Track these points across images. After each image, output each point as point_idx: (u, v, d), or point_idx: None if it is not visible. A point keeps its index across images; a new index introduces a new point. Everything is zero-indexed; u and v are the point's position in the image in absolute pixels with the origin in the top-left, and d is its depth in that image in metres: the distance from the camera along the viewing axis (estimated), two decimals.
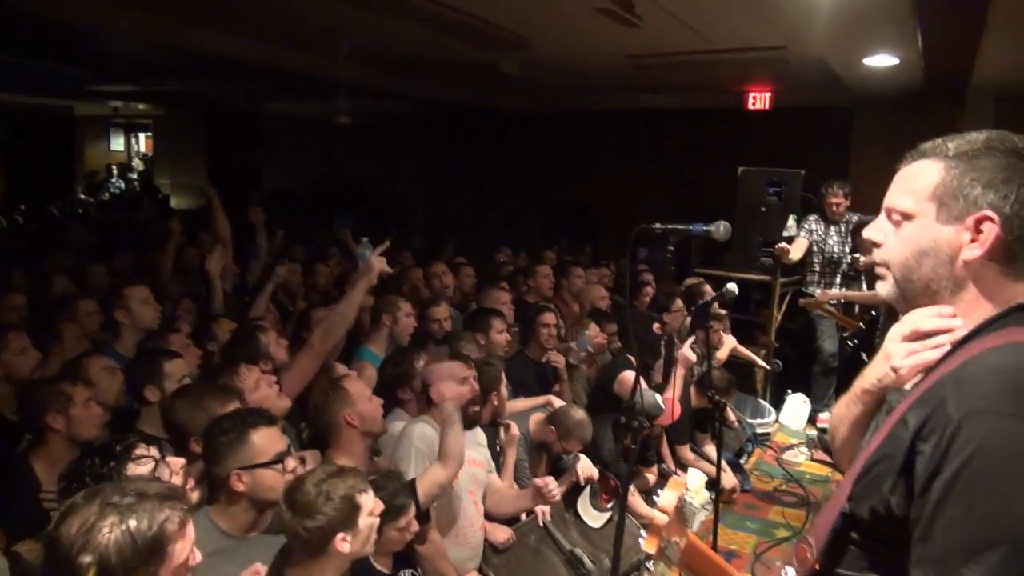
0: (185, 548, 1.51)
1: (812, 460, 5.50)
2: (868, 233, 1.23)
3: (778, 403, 6.28)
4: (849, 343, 5.59)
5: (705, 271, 6.51)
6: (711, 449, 4.73)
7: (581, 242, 9.29)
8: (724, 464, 4.44)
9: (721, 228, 2.22)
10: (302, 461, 2.48)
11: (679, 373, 3.85)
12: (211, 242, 4.70)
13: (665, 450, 4.57)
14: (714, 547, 3.69)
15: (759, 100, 7.86)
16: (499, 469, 3.43)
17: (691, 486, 3.41)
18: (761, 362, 6.12)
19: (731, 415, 5.35)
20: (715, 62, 6.27)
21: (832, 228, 6.01)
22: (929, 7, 4.10)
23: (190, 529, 1.54)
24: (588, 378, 4.83)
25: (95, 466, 1.86)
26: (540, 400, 4.00)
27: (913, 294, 1.16)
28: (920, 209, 1.14)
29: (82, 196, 14.45)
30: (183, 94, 11.44)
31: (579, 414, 3.66)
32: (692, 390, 4.67)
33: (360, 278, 3.24)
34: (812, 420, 6.13)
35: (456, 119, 10.98)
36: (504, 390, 3.48)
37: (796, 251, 5.91)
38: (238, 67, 7.14)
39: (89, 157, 16.20)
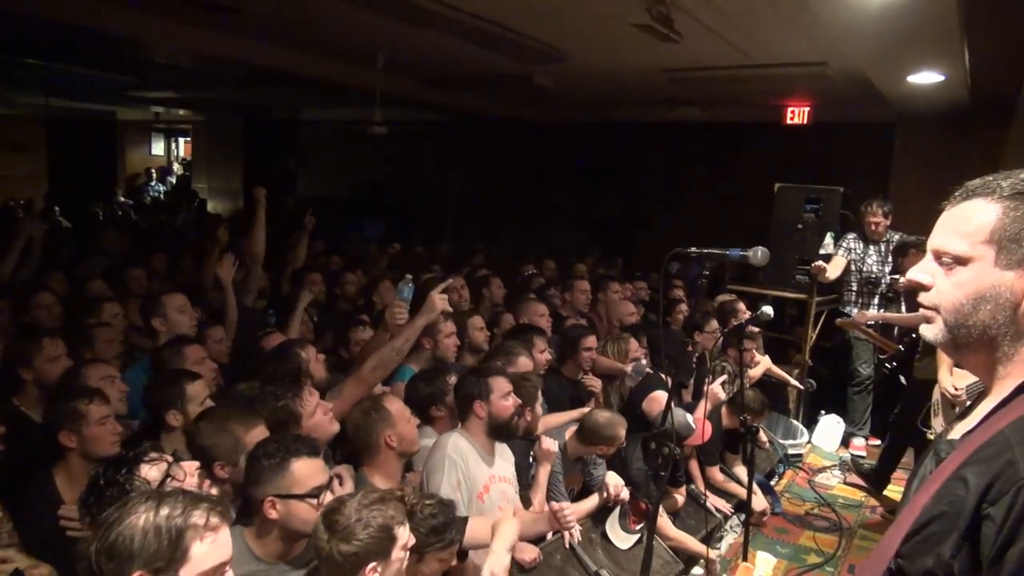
0: (211, 556, 1.50)
1: (845, 484, 5.38)
2: (914, 275, 1.18)
3: (811, 423, 6.16)
4: (886, 366, 5.46)
5: (739, 288, 6.42)
6: (741, 470, 4.65)
7: (613, 254, 9.25)
8: (754, 486, 4.37)
9: (759, 254, 2.16)
10: (338, 478, 2.50)
11: (707, 406, 3.79)
12: (226, 249, 4.65)
13: (695, 471, 4.50)
14: (744, 555, 3.62)
15: (797, 115, 7.77)
16: (531, 481, 3.40)
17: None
18: (794, 381, 6.01)
19: (762, 435, 5.26)
20: (753, 76, 6.21)
21: (871, 247, 5.87)
22: (978, 24, 4.00)
23: (222, 540, 1.53)
24: (621, 395, 4.78)
25: (109, 473, 1.89)
26: (576, 414, 3.94)
27: (967, 340, 1.11)
28: (976, 253, 1.09)
29: (122, 199, 14.77)
30: (222, 101, 11.66)
31: (604, 415, 3.59)
32: (724, 410, 4.59)
33: (421, 315, 3.18)
34: (846, 442, 6.00)
35: (489, 129, 11.02)
36: (539, 407, 3.45)
37: (833, 270, 5.78)
38: (277, 76, 7.26)
39: (131, 161, 16.57)
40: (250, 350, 3.81)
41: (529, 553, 3.22)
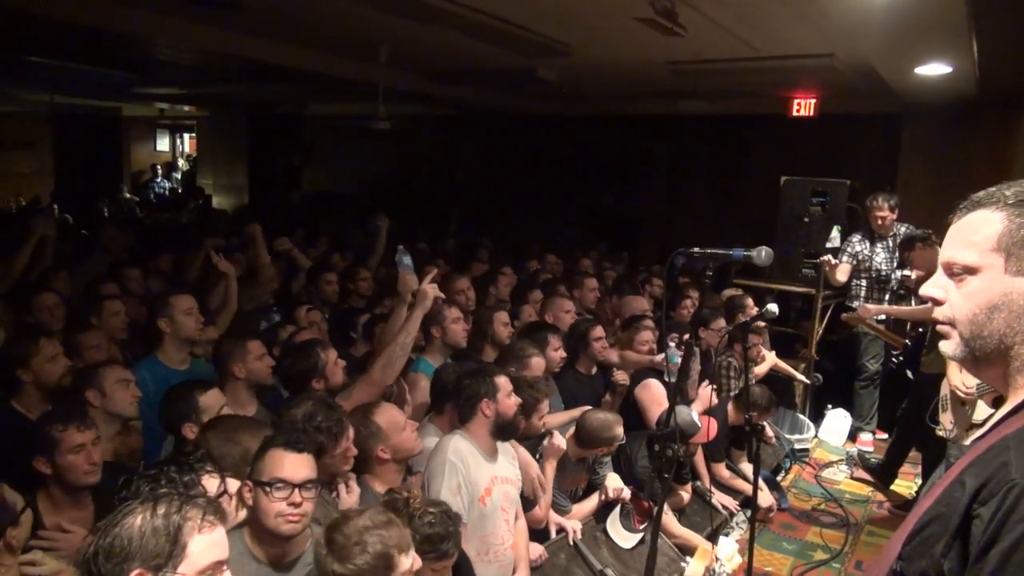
0: (209, 553, 1.50)
1: (852, 479, 5.36)
2: (927, 291, 1.17)
3: (817, 418, 6.13)
4: (893, 360, 5.42)
5: (745, 282, 6.39)
6: (747, 467, 4.64)
7: (619, 247, 9.22)
8: (760, 482, 4.36)
9: (763, 254, 2.14)
10: (346, 484, 2.48)
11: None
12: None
13: (701, 467, 4.49)
14: (749, 568, 3.61)
15: (804, 107, 7.70)
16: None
17: (722, 554, 3.34)
18: (800, 376, 5.98)
19: (769, 431, 5.24)
20: (759, 69, 6.15)
21: (879, 244, 5.81)
22: (987, 15, 3.95)
23: (218, 538, 1.54)
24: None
25: (171, 471, 1.90)
26: (576, 413, 3.94)
27: (984, 351, 1.10)
28: (985, 261, 1.08)
29: (127, 195, 14.81)
30: (227, 96, 11.65)
31: (598, 416, 3.59)
32: (730, 406, 4.58)
33: (415, 309, 3.22)
34: (853, 437, 5.97)
35: (494, 124, 10.98)
36: (546, 406, 3.44)
37: (841, 274, 5.75)
38: (281, 72, 7.25)
39: (136, 157, 16.60)
40: None
41: (534, 551, 3.22)
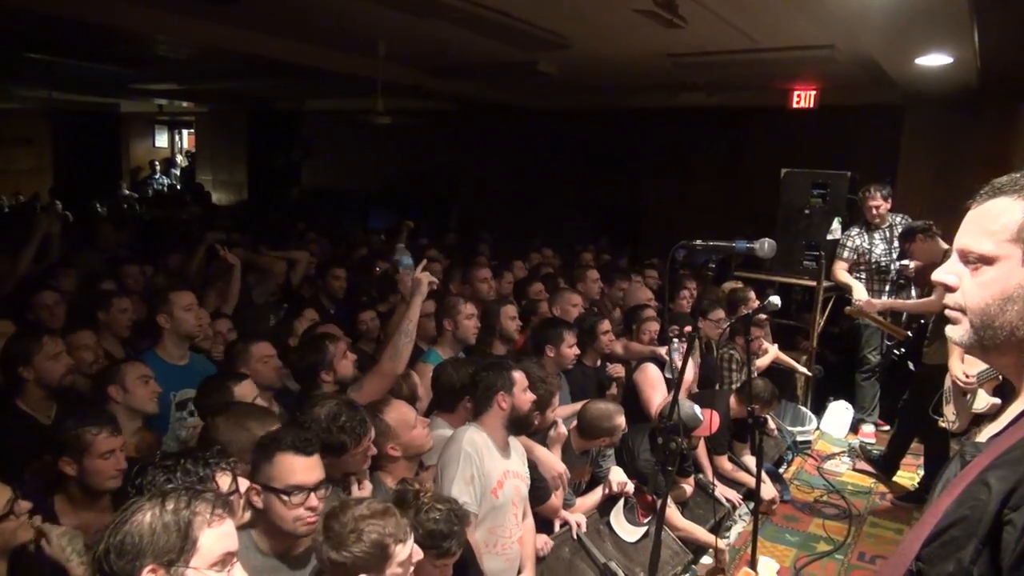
0: (219, 545, 1.52)
1: (854, 470, 5.37)
2: (940, 276, 1.15)
3: (819, 410, 6.14)
4: (895, 352, 5.42)
5: (746, 275, 6.38)
6: (750, 459, 4.64)
7: (621, 241, 9.21)
8: (763, 474, 4.36)
9: (766, 246, 2.14)
10: (358, 481, 2.48)
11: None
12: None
13: (704, 460, 4.49)
14: (753, 560, 3.63)
15: (804, 98, 7.67)
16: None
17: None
18: (802, 368, 5.98)
19: (771, 423, 5.24)
20: (759, 60, 6.13)
21: (876, 235, 5.80)
22: (988, 6, 3.94)
23: (228, 530, 1.55)
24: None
25: (187, 463, 1.91)
26: (579, 406, 3.95)
27: (994, 341, 1.08)
28: (1003, 252, 1.06)
29: (126, 192, 14.79)
30: (225, 92, 11.62)
31: (599, 407, 3.59)
32: (732, 399, 4.58)
33: (413, 297, 3.23)
34: (855, 429, 5.98)
35: (494, 117, 10.95)
36: (556, 400, 3.45)
37: (841, 276, 5.76)
38: (280, 67, 7.22)
39: (134, 153, 16.58)
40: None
41: (539, 540, 3.23)
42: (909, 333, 5.25)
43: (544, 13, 5.12)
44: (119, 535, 1.47)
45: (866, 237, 5.81)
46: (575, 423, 3.63)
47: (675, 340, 4.03)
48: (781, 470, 5.19)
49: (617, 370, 4.37)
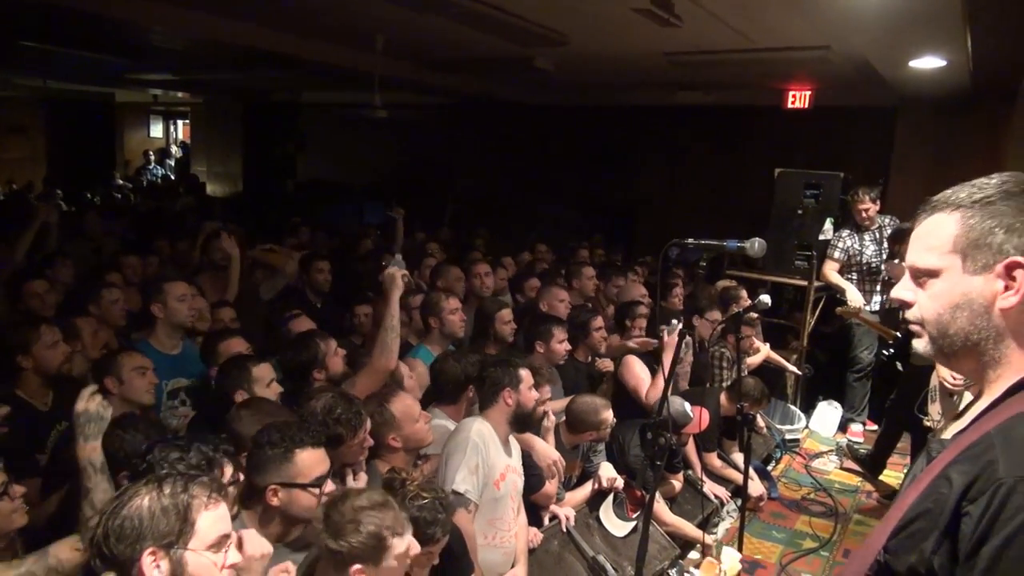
0: (216, 527, 1.57)
1: (842, 469, 5.41)
2: (896, 294, 1.21)
3: (809, 409, 6.18)
4: (884, 352, 5.47)
5: (738, 273, 6.42)
6: (739, 456, 4.68)
7: (616, 237, 9.24)
8: (751, 471, 4.40)
9: (756, 245, 2.17)
10: (353, 473, 2.52)
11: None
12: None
13: (693, 456, 4.53)
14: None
15: (799, 99, 7.73)
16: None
17: (725, 566, 3.37)
18: (792, 367, 6.02)
19: (760, 421, 5.28)
20: (755, 60, 6.17)
21: (866, 236, 5.84)
22: (981, 9, 3.97)
23: (223, 513, 1.60)
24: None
25: (205, 451, 2.00)
26: (568, 401, 3.98)
27: (952, 348, 1.13)
28: (945, 264, 1.11)
29: (120, 182, 14.74)
30: (221, 83, 11.59)
31: (585, 400, 3.62)
32: (723, 397, 4.61)
33: (390, 292, 3.21)
34: (843, 428, 6.03)
35: (490, 113, 10.96)
36: (547, 393, 3.47)
37: (832, 277, 5.80)
38: (276, 59, 7.22)
39: (129, 143, 16.52)
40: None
41: (530, 533, 3.26)
42: (898, 334, 5.29)
43: (541, 10, 5.14)
44: (118, 519, 1.51)
45: (856, 238, 5.85)
46: (564, 418, 3.66)
47: (669, 325, 4.00)
48: (770, 468, 5.23)
49: (607, 365, 4.40)
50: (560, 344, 4.04)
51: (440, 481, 2.75)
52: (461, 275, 4.97)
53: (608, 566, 3.39)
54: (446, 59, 7.40)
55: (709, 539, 3.89)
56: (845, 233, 5.89)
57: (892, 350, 5.21)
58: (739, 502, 4.15)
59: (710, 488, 4.45)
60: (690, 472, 4.42)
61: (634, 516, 3.63)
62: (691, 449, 4.48)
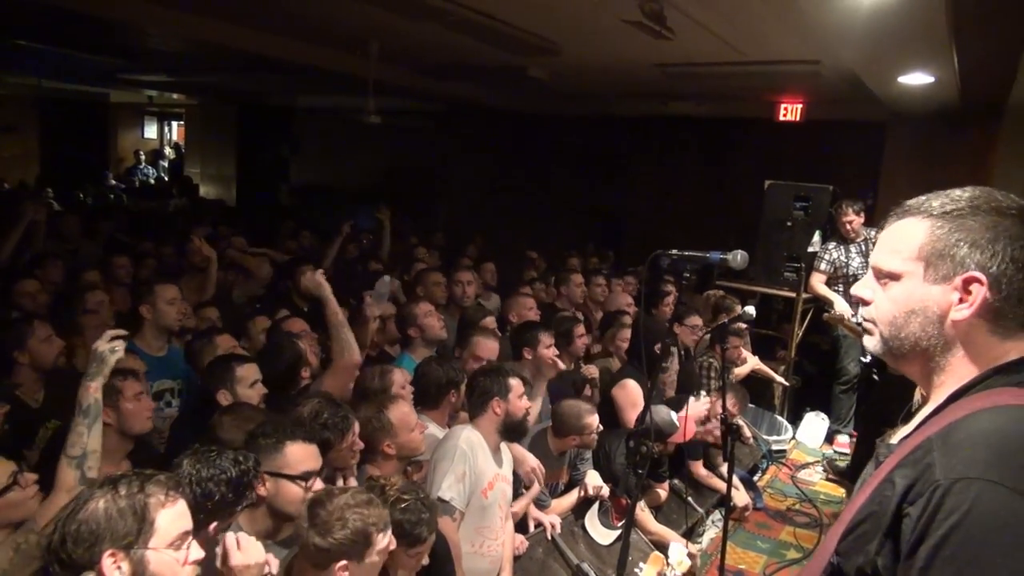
0: (175, 525, 1.57)
1: (828, 480, 5.45)
2: (856, 291, 1.25)
3: (796, 420, 6.22)
4: (862, 359, 5.52)
5: (727, 284, 6.46)
6: (724, 465, 4.70)
7: (605, 247, 9.27)
8: (737, 481, 4.42)
9: (738, 257, 2.20)
10: (342, 477, 2.55)
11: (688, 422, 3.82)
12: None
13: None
14: (722, 566, 3.68)
15: (790, 111, 7.77)
16: None
17: (672, 560, 3.41)
18: (779, 378, 6.07)
19: (746, 431, 5.32)
20: (746, 73, 6.22)
21: (852, 248, 5.90)
22: (967, 27, 4.03)
23: (182, 510, 1.60)
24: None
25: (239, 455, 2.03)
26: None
27: (901, 351, 1.17)
28: (907, 269, 1.14)
29: (112, 182, 14.70)
30: (216, 86, 11.60)
31: (568, 404, 3.63)
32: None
33: (321, 295, 3.15)
34: (830, 439, 6.07)
35: (483, 120, 11.00)
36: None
37: (820, 289, 5.85)
38: (269, 63, 7.23)
39: (122, 144, 16.48)
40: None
41: (515, 540, 3.27)
42: None
43: (534, 19, 5.17)
44: (74, 524, 1.51)
45: (843, 250, 5.91)
46: (551, 423, 3.68)
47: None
48: (756, 478, 5.26)
49: (591, 371, 4.42)
50: (548, 349, 4.01)
51: (427, 488, 2.77)
52: (440, 279, 4.98)
53: (592, 574, 3.41)
54: (440, 66, 7.43)
55: (693, 548, 3.91)
56: (832, 245, 5.94)
57: (870, 358, 5.26)
58: (724, 511, 4.17)
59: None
60: (676, 481, 4.44)
61: (619, 524, 3.64)
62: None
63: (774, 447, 5.71)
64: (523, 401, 3.04)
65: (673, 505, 4.35)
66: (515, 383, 3.04)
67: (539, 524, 3.50)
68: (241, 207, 11.90)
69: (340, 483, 2.56)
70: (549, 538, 3.49)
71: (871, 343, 1.22)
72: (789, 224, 6.30)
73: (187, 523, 1.61)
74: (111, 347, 2.22)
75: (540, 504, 3.58)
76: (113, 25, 5.83)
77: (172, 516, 1.57)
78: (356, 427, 2.61)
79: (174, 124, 17.41)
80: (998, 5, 3.65)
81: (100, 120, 15.60)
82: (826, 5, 3.89)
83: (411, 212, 10.30)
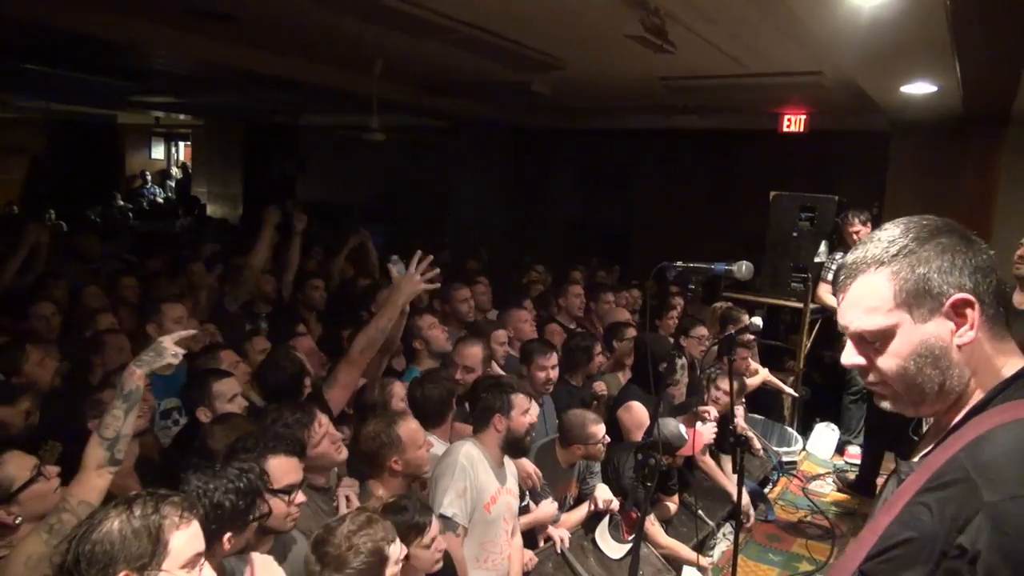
0: (189, 547, 1.57)
1: (839, 491, 5.40)
2: (848, 361, 1.22)
3: (806, 431, 6.18)
4: None
5: (734, 295, 6.45)
6: (734, 475, 4.66)
7: (610, 261, 9.27)
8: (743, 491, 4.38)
9: (743, 268, 2.20)
10: (346, 499, 2.56)
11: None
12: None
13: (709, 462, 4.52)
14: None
15: (794, 123, 7.80)
16: None
17: None
18: (788, 389, 6.03)
19: (757, 443, 5.28)
20: (749, 85, 6.24)
21: None
22: (968, 37, 4.03)
23: (196, 531, 1.60)
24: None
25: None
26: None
27: (923, 397, 1.15)
28: (894, 320, 1.13)
29: (121, 203, 14.82)
30: (222, 105, 11.69)
31: (575, 413, 3.62)
32: None
33: (391, 294, 3.17)
34: (840, 450, 6.02)
35: (487, 135, 11.05)
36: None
37: (826, 299, 5.84)
38: (274, 82, 7.30)
39: (131, 165, 16.63)
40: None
41: (524, 556, 3.25)
42: None
43: (537, 36, 5.21)
44: (88, 544, 1.50)
45: None
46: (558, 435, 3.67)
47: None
48: (766, 490, 5.22)
49: (600, 387, 4.40)
50: (542, 372, 3.96)
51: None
52: (467, 295, 4.92)
53: None
54: (444, 83, 7.48)
55: (705, 561, 3.88)
56: (838, 256, 5.93)
57: None
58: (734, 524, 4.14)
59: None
60: (686, 495, 4.41)
61: (629, 538, 3.61)
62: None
63: (784, 459, 5.67)
64: (526, 418, 3.03)
65: (683, 518, 4.32)
66: (518, 399, 3.03)
67: (548, 539, 3.48)
68: (247, 225, 11.94)
69: (343, 505, 2.57)
70: (559, 552, 3.47)
71: (887, 405, 1.20)
72: (795, 235, 6.30)
73: (200, 544, 1.61)
74: (174, 351, 2.19)
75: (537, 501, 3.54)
76: (122, 48, 5.89)
77: (186, 538, 1.57)
78: (322, 419, 2.63)
79: (181, 144, 17.56)
80: (1000, 14, 3.65)
81: (108, 141, 15.75)
82: (826, 15, 3.90)
83: (417, 228, 10.35)
